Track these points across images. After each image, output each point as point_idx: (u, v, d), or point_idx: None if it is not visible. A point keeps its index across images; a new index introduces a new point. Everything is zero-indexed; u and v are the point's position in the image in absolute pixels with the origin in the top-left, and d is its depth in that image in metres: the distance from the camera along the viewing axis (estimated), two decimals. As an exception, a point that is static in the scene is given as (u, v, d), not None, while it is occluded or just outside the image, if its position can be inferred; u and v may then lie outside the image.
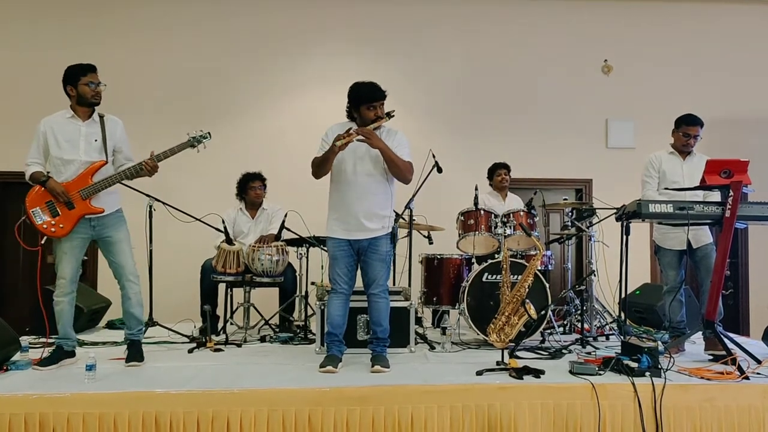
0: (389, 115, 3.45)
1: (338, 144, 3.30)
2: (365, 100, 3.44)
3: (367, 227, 3.45)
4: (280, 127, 6.36)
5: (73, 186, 3.40)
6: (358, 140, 3.34)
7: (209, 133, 3.68)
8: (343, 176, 3.49)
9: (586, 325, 4.52)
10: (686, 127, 4.13)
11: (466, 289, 4.22)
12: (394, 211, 3.69)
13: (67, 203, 3.38)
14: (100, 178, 3.43)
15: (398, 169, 3.42)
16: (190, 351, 3.94)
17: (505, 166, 5.46)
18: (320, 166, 3.48)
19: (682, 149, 4.16)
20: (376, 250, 3.47)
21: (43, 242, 3.43)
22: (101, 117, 3.53)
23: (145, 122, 5.82)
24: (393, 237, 3.51)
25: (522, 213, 4.50)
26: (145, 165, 3.45)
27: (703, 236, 4.07)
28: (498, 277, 4.08)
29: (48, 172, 3.43)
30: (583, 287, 4.67)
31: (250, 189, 5.08)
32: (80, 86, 3.43)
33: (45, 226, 3.38)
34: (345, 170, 3.48)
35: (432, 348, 4.08)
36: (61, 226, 3.39)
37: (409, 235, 4.70)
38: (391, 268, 3.80)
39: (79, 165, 3.42)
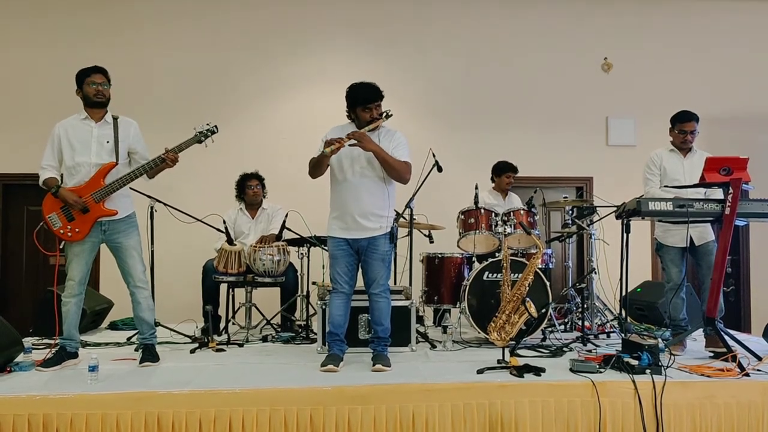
0: (386, 115, 3.45)
1: (327, 151, 3.32)
2: (361, 102, 3.44)
3: (364, 227, 3.45)
4: (280, 127, 6.36)
5: (86, 190, 3.41)
6: (350, 145, 3.34)
7: (216, 126, 3.65)
8: (341, 176, 3.51)
9: (586, 323, 4.53)
10: (681, 125, 4.13)
11: (467, 287, 4.23)
12: (395, 210, 3.69)
13: (81, 209, 3.39)
14: (111, 179, 3.44)
15: (393, 170, 3.42)
16: (192, 351, 3.96)
17: (514, 170, 5.46)
18: (314, 168, 3.50)
19: (681, 146, 4.16)
20: (375, 250, 3.47)
21: (62, 247, 3.45)
22: (115, 119, 3.55)
23: (143, 121, 5.82)
24: (392, 236, 3.49)
25: (522, 211, 4.51)
26: (167, 156, 3.47)
27: (705, 233, 4.07)
28: (499, 275, 4.09)
29: (62, 175, 3.46)
30: (583, 285, 4.67)
31: (247, 188, 5.10)
32: (85, 87, 3.47)
33: (62, 231, 3.40)
34: (342, 170, 3.49)
35: (433, 347, 4.09)
36: (77, 230, 3.40)
37: (410, 234, 4.71)
38: (392, 267, 3.80)
39: (89, 168, 3.43)
